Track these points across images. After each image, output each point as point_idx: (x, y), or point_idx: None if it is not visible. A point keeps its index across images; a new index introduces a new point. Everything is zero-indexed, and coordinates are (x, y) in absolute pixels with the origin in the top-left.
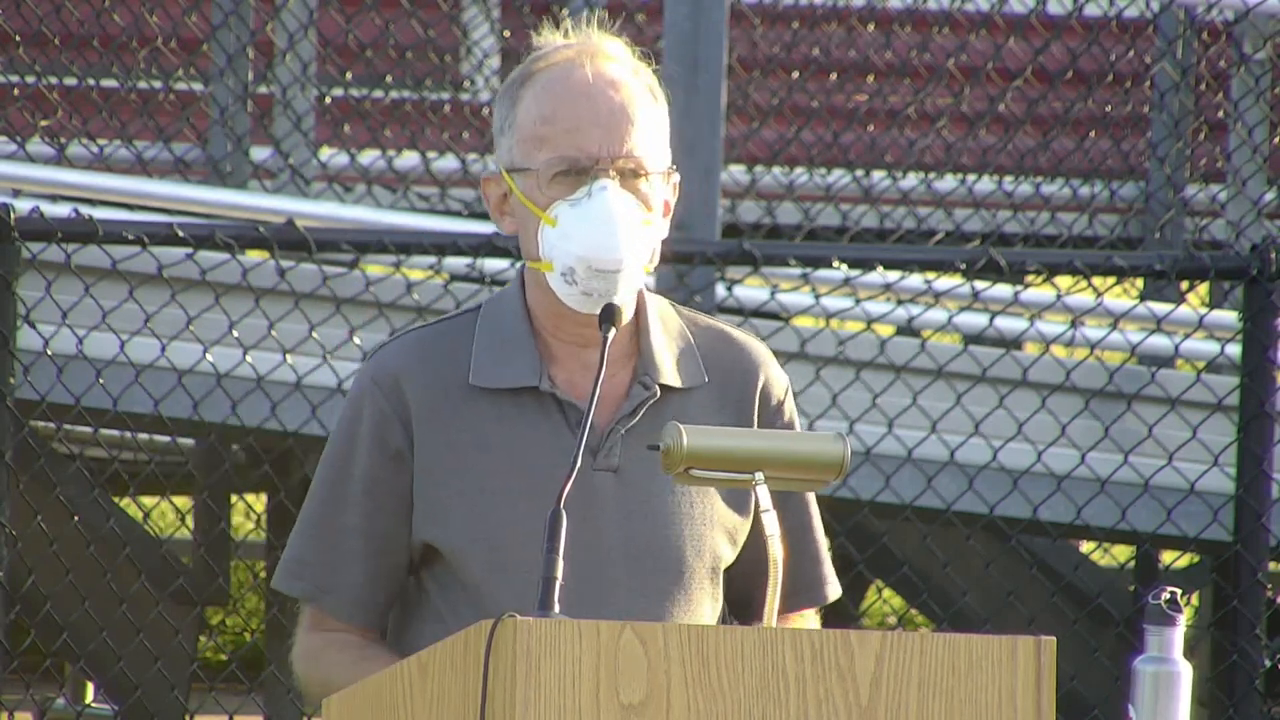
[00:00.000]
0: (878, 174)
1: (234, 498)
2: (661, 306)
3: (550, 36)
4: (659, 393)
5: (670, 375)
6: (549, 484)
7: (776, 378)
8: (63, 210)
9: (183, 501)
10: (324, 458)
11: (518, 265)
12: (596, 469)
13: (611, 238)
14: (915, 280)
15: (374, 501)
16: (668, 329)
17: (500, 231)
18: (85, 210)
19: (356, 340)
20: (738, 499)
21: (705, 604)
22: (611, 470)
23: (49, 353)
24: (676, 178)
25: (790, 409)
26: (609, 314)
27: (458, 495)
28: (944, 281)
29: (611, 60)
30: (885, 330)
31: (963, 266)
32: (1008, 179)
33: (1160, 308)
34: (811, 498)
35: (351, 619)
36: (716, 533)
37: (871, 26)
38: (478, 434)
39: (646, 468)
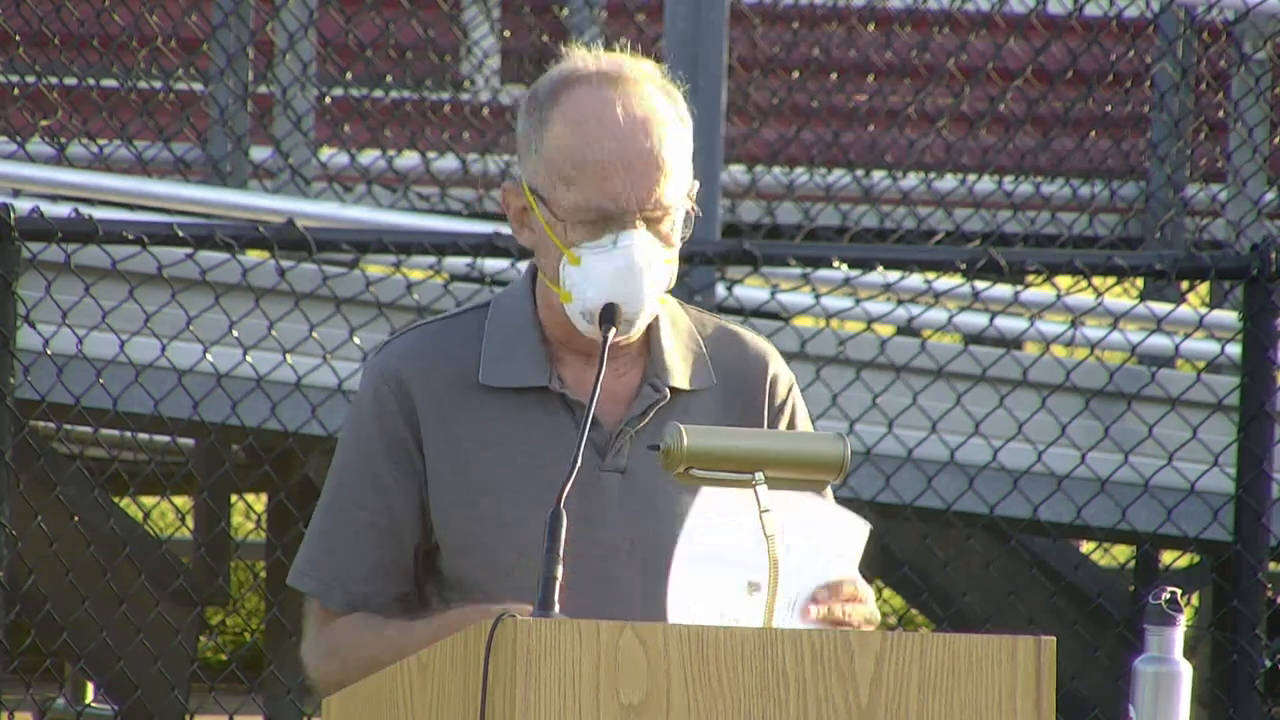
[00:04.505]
0: (878, 174)
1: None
2: (672, 307)
3: (579, 52)
4: (669, 395)
5: (679, 377)
6: (554, 483)
7: (782, 375)
8: (63, 210)
9: (183, 501)
10: (335, 459)
11: (517, 265)
12: (604, 470)
13: (634, 288)
14: (915, 280)
15: (382, 499)
16: (677, 330)
17: (519, 242)
18: (85, 210)
19: (356, 340)
20: None
21: None
22: (619, 471)
23: (49, 353)
24: (697, 185)
25: (795, 405)
26: (609, 314)
27: (462, 494)
28: (944, 281)
29: (642, 93)
30: (885, 330)
31: (963, 266)
32: (1008, 179)
33: (1160, 308)
34: None
35: (354, 609)
36: None
37: (871, 26)
38: (484, 432)
39: (654, 469)
